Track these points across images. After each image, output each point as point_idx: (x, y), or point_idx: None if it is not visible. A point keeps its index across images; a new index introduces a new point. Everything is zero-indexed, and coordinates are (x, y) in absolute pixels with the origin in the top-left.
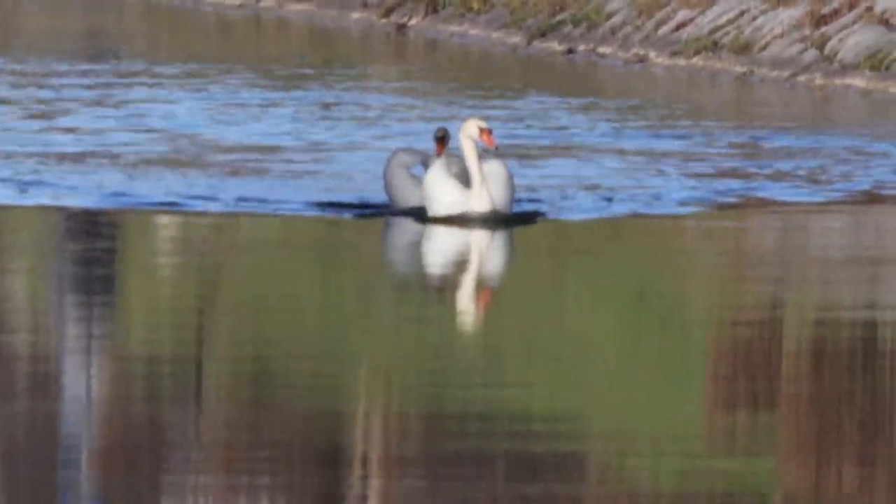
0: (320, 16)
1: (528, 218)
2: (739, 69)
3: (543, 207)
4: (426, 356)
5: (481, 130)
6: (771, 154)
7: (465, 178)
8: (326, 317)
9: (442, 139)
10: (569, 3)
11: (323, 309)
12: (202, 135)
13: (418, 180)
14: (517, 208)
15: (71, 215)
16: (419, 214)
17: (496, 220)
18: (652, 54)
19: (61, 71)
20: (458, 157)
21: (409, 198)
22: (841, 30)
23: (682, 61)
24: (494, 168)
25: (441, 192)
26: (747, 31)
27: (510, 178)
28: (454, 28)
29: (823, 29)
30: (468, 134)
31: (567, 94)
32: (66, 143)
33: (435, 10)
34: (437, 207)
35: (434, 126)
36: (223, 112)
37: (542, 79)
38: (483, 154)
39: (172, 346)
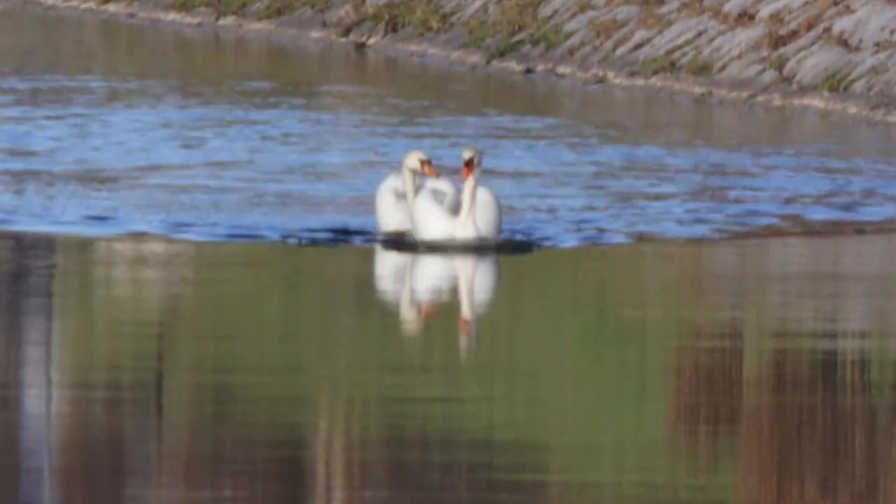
0: (279, 35)
1: (518, 246)
2: (698, 90)
3: (520, 234)
4: (387, 376)
5: (422, 163)
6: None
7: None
8: (287, 340)
9: (469, 162)
10: (527, 23)
11: (282, 333)
12: (146, 153)
13: (404, 205)
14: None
15: (18, 237)
16: (400, 240)
17: (483, 248)
18: (610, 74)
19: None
20: (449, 184)
21: (391, 223)
22: (799, 50)
23: (640, 81)
24: (480, 195)
25: (427, 219)
26: (705, 51)
27: (497, 204)
28: (413, 47)
29: (782, 50)
30: (409, 166)
31: (525, 113)
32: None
33: (394, 30)
34: (424, 234)
35: (394, 147)
36: (165, 131)
37: (501, 99)
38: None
39: (132, 370)
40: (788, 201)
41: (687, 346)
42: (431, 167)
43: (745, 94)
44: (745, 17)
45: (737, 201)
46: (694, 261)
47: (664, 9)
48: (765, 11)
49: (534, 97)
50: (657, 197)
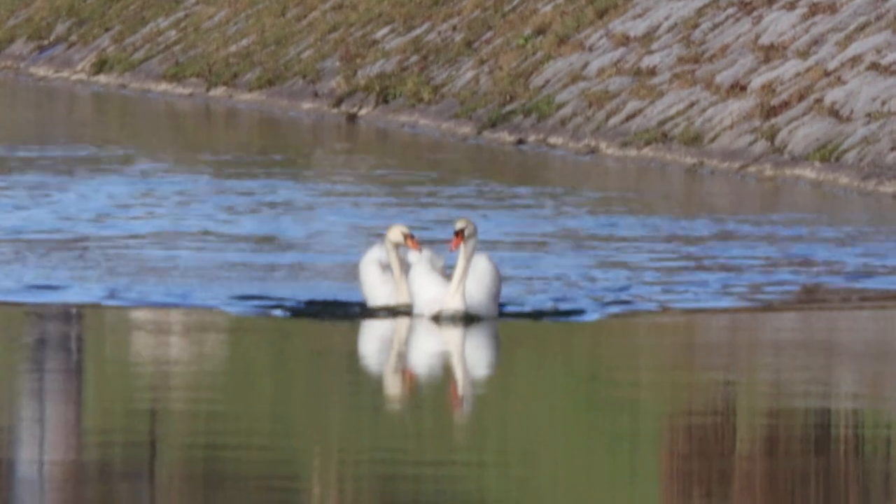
0: (270, 105)
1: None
2: (689, 160)
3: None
4: (378, 450)
5: (405, 236)
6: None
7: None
8: (276, 417)
9: (460, 232)
10: (519, 94)
11: (271, 409)
12: (132, 224)
13: (388, 278)
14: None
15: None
16: (389, 313)
17: (471, 320)
18: (602, 145)
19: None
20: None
21: (379, 296)
22: (791, 121)
23: (632, 152)
24: (478, 264)
25: (419, 290)
26: (697, 122)
27: (495, 275)
28: (405, 118)
29: (773, 120)
30: (392, 240)
31: (517, 184)
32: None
33: (385, 101)
34: (416, 305)
35: (382, 217)
36: (146, 200)
37: (492, 169)
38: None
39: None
40: (797, 270)
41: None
42: (414, 240)
43: (736, 165)
44: (737, 88)
45: (737, 270)
46: (723, 331)
47: (656, 80)
48: (756, 82)
49: (525, 167)
50: (677, 269)
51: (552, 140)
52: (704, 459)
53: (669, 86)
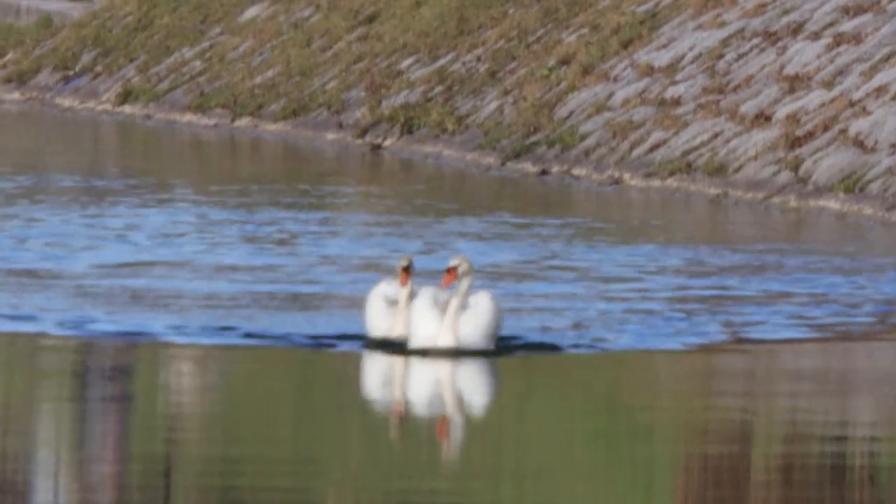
0: (295, 136)
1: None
2: (713, 191)
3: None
4: (396, 477)
5: (402, 268)
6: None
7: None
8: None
9: (406, 269)
10: (543, 125)
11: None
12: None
13: (394, 311)
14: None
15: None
16: (384, 346)
17: (464, 356)
18: (626, 176)
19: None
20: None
21: (379, 328)
22: (815, 151)
23: (656, 183)
24: (479, 301)
25: (416, 325)
26: (721, 152)
27: (495, 313)
28: (429, 149)
29: (798, 151)
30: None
31: (540, 215)
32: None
33: (410, 131)
34: (413, 339)
35: (402, 248)
36: (171, 232)
37: (516, 200)
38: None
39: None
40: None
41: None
42: (406, 274)
43: (760, 196)
44: (762, 119)
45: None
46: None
47: (680, 110)
48: (781, 113)
49: (548, 198)
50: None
51: (576, 171)
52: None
53: (694, 116)
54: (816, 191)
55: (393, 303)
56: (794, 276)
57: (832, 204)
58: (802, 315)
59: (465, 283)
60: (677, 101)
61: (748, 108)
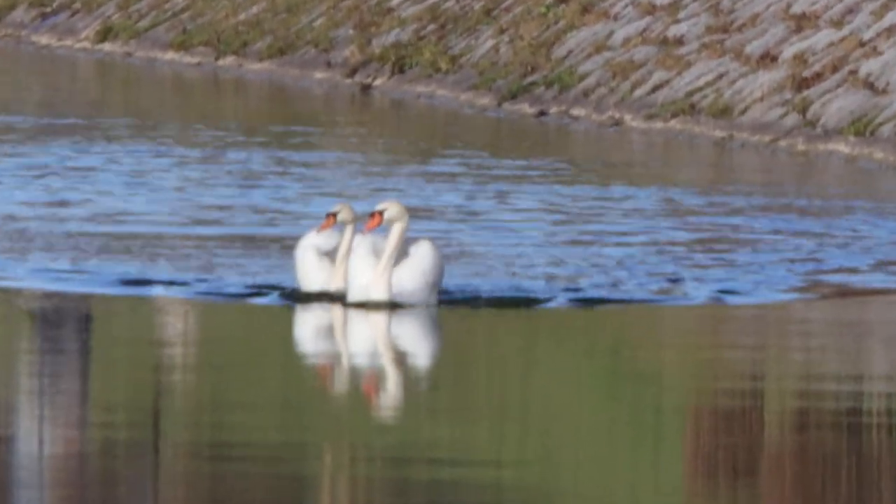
0: (281, 75)
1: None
2: (718, 133)
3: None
4: (385, 433)
5: (327, 215)
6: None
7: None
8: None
9: (333, 215)
10: (540, 64)
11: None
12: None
13: (326, 263)
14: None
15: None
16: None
17: (398, 309)
18: (627, 117)
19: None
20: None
21: (316, 281)
22: (824, 93)
23: (658, 124)
24: (419, 250)
25: (353, 275)
26: (726, 93)
27: (435, 262)
28: (421, 88)
29: (805, 92)
30: (343, 220)
31: (538, 157)
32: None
33: (401, 70)
34: (350, 292)
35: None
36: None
37: (513, 142)
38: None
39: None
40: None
41: None
42: (330, 220)
43: (767, 139)
44: (768, 59)
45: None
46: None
47: (683, 49)
48: (788, 53)
49: (546, 140)
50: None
51: (575, 112)
52: None
53: (697, 56)
54: (825, 134)
55: (325, 253)
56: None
57: (842, 147)
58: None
59: (396, 229)
60: (680, 41)
61: (754, 47)
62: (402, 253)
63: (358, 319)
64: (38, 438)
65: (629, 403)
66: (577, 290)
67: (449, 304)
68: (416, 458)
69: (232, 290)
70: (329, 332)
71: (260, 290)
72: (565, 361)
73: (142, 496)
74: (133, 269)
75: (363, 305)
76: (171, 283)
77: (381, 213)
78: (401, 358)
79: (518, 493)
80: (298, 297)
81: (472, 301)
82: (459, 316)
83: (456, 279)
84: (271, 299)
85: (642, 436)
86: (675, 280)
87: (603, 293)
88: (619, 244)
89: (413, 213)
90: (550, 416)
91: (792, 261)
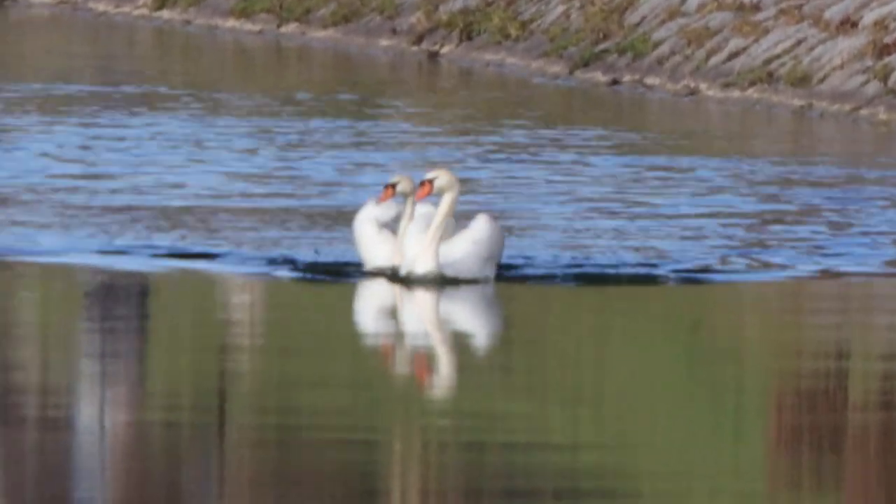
0: (346, 43)
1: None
2: (797, 102)
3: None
4: (459, 409)
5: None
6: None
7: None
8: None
9: (392, 186)
10: (613, 31)
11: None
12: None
13: (389, 236)
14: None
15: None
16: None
17: (448, 283)
18: (703, 86)
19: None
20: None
21: (379, 256)
22: None
23: (735, 93)
24: (476, 223)
25: (406, 250)
26: (805, 61)
27: (491, 235)
28: (490, 56)
29: (887, 59)
30: (401, 191)
31: (614, 127)
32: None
33: (469, 38)
34: (402, 267)
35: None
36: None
37: (585, 112)
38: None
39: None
40: None
41: None
42: (389, 191)
43: (847, 107)
44: (848, 25)
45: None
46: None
47: (760, 16)
48: (868, 18)
49: (620, 110)
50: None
51: (649, 80)
52: None
53: (775, 22)
54: None
55: (384, 225)
56: None
57: None
58: None
59: (446, 199)
60: (756, 7)
61: (833, 13)
62: (459, 226)
63: (416, 296)
64: (99, 420)
65: (711, 382)
66: (651, 265)
67: (521, 280)
68: (490, 441)
69: (286, 265)
70: (390, 309)
71: (314, 265)
72: (645, 338)
73: (206, 476)
74: (191, 243)
75: (410, 280)
76: (226, 255)
77: (430, 181)
78: (464, 337)
79: (595, 477)
80: (356, 271)
81: (546, 277)
82: (536, 292)
83: (530, 252)
84: (326, 276)
85: (724, 416)
86: (753, 256)
87: (678, 267)
88: (698, 216)
89: (479, 185)
90: (632, 397)
91: (879, 233)
